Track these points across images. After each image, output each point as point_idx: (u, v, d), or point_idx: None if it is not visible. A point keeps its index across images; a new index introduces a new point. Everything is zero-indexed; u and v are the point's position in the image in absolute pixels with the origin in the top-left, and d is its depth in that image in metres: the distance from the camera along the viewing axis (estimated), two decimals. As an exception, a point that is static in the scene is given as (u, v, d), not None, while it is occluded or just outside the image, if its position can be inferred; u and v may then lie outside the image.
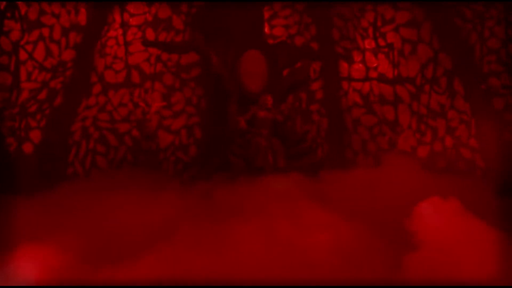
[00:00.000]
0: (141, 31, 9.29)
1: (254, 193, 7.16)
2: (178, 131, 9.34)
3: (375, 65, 9.49)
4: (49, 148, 8.72)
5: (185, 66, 9.37)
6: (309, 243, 5.66)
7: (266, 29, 9.43)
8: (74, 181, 8.81)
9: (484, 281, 4.97)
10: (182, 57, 9.35)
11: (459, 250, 5.37)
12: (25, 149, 8.54)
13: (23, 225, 6.34)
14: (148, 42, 9.08)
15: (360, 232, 5.96)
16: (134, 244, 5.90)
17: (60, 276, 5.20)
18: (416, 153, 9.21)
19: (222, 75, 8.79)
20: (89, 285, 5.18)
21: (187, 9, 9.16)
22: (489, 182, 8.24)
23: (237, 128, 8.43)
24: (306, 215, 6.28)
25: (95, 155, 9.15)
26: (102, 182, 8.55)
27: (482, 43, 8.87)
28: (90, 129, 9.13)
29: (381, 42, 9.42)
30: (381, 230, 6.13)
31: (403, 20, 9.20)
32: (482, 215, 5.72)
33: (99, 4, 8.85)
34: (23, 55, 8.45)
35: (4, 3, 8.00)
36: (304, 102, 9.62)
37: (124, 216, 6.79)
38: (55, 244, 5.52)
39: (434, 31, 9.03)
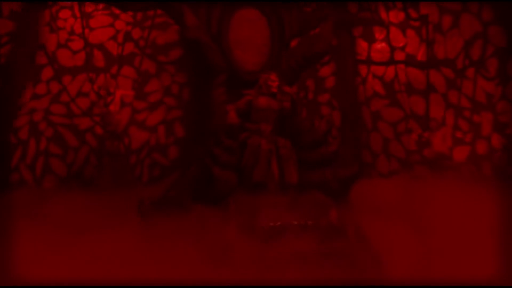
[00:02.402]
0: (105, -1, 7.44)
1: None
2: (155, 128, 7.75)
3: (402, 44, 7.96)
4: (-16, 148, 7.08)
5: (162, 46, 7.74)
6: None
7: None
8: (19, 190, 7.10)
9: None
10: (158, 35, 7.68)
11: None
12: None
13: None
14: None
15: None
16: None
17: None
18: (452, 156, 7.75)
19: (202, 43, 5.92)
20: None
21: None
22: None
23: (225, 123, 5.50)
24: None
25: (48, 158, 7.46)
26: (37, 198, 6.69)
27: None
28: (41, 125, 7.47)
29: (412, 13, 7.87)
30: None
31: (442, -17, 7.70)
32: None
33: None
34: None
35: None
36: (311, 91, 8.06)
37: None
38: None
39: (484, -4, 7.50)
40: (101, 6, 7.59)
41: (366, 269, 4.26)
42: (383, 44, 8.08)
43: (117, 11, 7.59)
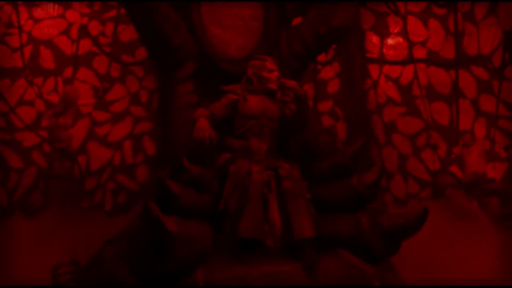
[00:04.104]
0: (51, -18, 7.15)
1: None
2: (119, 144, 7.11)
3: (423, 38, 7.22)
4: None
5: (127, 43, 7.09)
6: None
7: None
8: None
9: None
10: (122, 29, 7.01)
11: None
12: None
13: None
14: None
15: None
16: None
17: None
18: (484, 175, 6.86)
19: (155, 11, 4.38)
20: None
21: None
22: None
23: (192, 138, 3.70)
24: None
25: (-16, 183, 7.02)
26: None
27: None
28: (-26, 142, 7.09)
29: (437, 0, 7.39)
30: None
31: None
32: None
33: None
34: None
35: None
36: (310, 98, 7.19)
37: None
38: None
39: (530, -25, 6.82)
40: (48, -9, 7.29)
41: None
42: (399, 39, 7.35)
43: (70, -2, 7.25)
